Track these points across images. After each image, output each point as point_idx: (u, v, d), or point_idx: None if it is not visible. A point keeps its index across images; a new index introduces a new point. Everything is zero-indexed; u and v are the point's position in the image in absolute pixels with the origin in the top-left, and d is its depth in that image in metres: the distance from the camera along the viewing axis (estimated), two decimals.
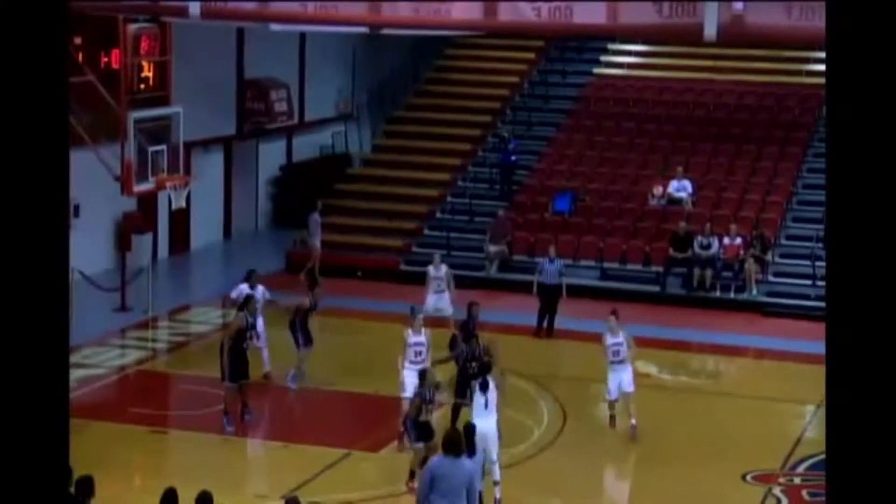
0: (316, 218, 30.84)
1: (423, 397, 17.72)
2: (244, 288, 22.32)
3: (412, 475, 17.55)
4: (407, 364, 19.73)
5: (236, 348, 20.10)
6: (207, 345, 24.59)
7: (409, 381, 19.23)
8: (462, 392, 19.20)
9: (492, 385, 17.52)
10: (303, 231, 32.53)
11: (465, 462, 13.16)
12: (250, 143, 35.04)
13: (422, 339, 19.94)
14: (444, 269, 25.59)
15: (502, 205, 32.24)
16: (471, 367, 19.44)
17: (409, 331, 20.03)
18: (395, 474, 18.57)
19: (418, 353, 19.80)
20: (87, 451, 16.81)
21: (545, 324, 26.41)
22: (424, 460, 16.08)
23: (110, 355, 24.71)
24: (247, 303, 20.62)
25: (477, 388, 17.42)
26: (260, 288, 22.52)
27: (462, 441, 13.22)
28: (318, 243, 30.68)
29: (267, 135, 35.19)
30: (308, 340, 22.17)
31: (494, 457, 17.32)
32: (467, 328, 20.81)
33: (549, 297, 26.35)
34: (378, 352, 23.60)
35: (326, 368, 23.38)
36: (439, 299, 25.15)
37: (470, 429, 15.30)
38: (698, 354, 26.73)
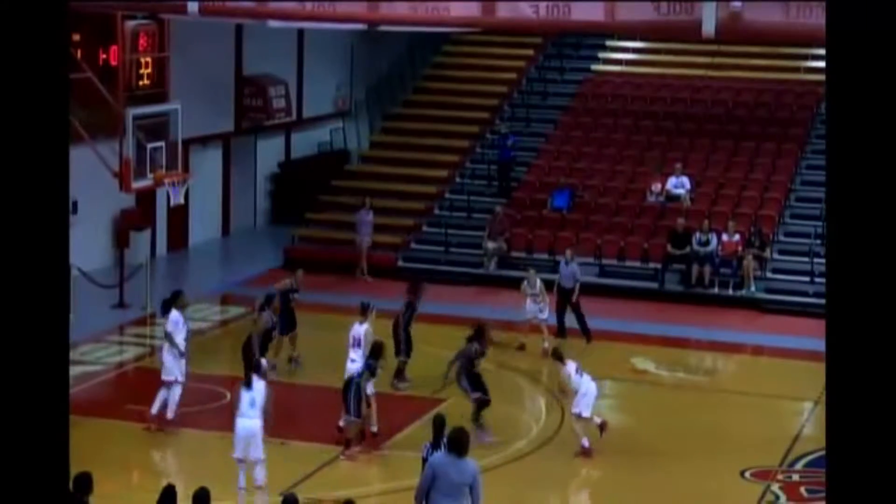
0: (363, 215, 30.69)
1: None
2: (177, 316, 20.55)
3: None
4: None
5: (265, 348, 20.22)
6: (205, 342, 24.62)
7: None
8: None
9: (257, 384, 17.52)
10: (300, 227, 32.64)
11: (469, 462, 13.13)
12: (249, 139, 35.03)
13: (362, 330, 20.36)
14: (538, 283, 25.30)
15: (500, 201, 32.23)
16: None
17: (356, 323, 20.48)
18: (392, 471, 18.58)
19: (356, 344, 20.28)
20: (85, 448, 16.81)
21: (576, 324, 26.03)
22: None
23: (108, 352, 24.73)
24: (269, 302, 20.67)
25: (242, 385, 17.53)
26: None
27: (468, 441, 13.18)
28: (363, 241, 30.51)
29: (265, 131, 35.19)
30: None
31: (260, 455, 17.36)
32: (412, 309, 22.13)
33: (566, 300, 25.95)
34: None
35: (324, 366, 23.39)
36: (536, 309, 25.16)
37: (440, 421, 15.26)
38: (696, 351, 26.72)
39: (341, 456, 19.31)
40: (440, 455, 13.36)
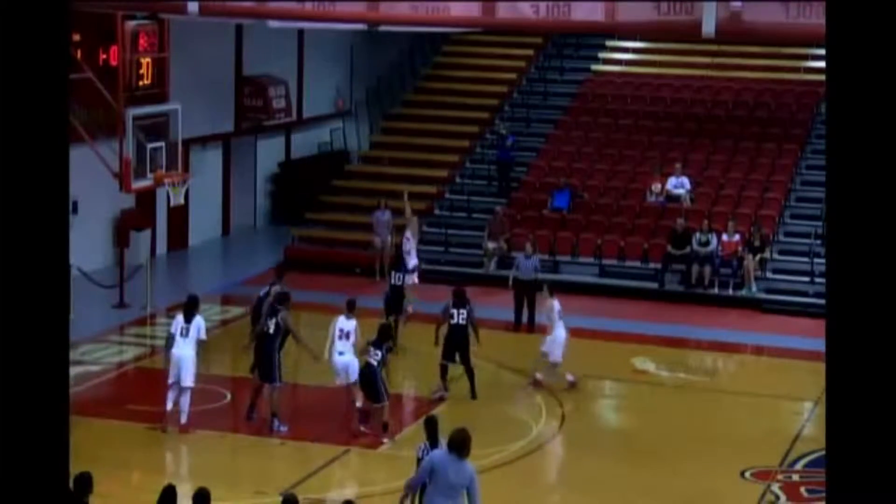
0: (379, 216, 30.42)
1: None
2: (203, 321, 20.57)
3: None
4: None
5: (279, 349, 20.41)
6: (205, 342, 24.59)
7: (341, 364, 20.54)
8: None
9: None
10: (300, 227, 32.66)
11: (467, 464, 13.14)
12: (249, 139, 35.03)
13: (351, 324, 20.67)
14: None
15: (500, 202, 32.24)
16: None
17: (342, 317, 20.74)
18: (392, 471, 18.57)
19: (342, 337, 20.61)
20: (85, 448, 16.82)
21: (524, 319, 26.62)
22: None
23: (108, 352, 24.71)
24: (284, 301, 20.67)
25: None
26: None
27: (469, 442, 13.19)
28: (378, 243, 30.26)
29: (265, 131, 35.19)
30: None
31: None
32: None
33: (525, 292, 26.51)
34: None
35: (324, 365, 23.39)
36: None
37: (432, 422, 15.25)
38: (696, 351, 26.70)
39: (384, 440, 19.78)
40: (441, 453, 13.37)
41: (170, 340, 20.38)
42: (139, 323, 26.64)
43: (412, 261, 26.31)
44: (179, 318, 20.33)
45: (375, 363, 19.89)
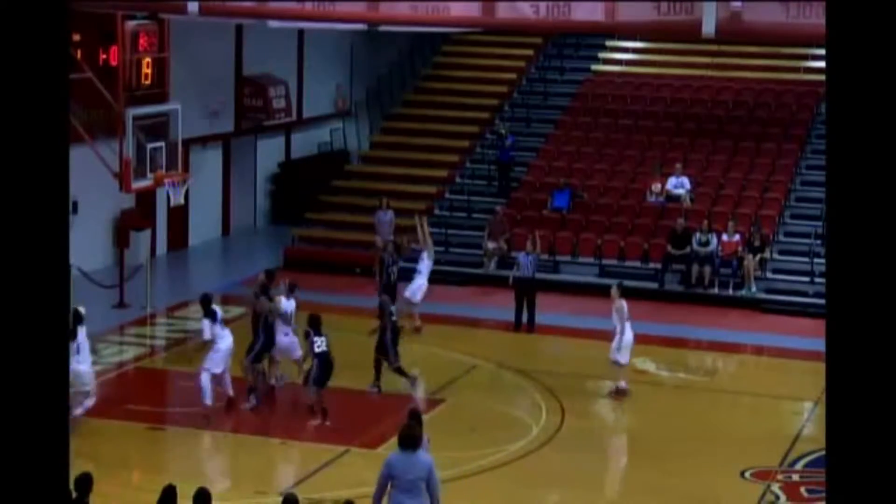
0: (381, 215, 30.14)
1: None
2: (209, 324, 21.00)
3: None
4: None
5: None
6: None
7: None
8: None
9: None
10: (300, 227, 32.66)
11: (422, 457, 13.19)
12: (249, 139, 35.03)
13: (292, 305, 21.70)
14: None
15: (500, 202, 32.23)
16: None
17: (283, 299, 21.61)
18: None
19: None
20: (85, 448, 16.83)
21: (525, 319, 26.59)
22: None
23: (108, 352, 24.68)
24: (265, 291, 21.41)
25: None
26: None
27: (419, 436, 13.28)
28: (380, 243, 29.96)
29: (265, 132, 35.19)
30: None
31: None
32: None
33: (526, 291, 26.54)
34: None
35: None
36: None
37: (416, 416, 15.28)
38: (696, 351, 26.70)
39: (326, 423, 20.21)
40: (394, 453, 13.41)
41: (211, 340, 20.87)
42: (139, 323, 26.63)
43: (420, 280, 26.03)
44: (208, 319, 20.93)
45: (327, 349, 20.40)
